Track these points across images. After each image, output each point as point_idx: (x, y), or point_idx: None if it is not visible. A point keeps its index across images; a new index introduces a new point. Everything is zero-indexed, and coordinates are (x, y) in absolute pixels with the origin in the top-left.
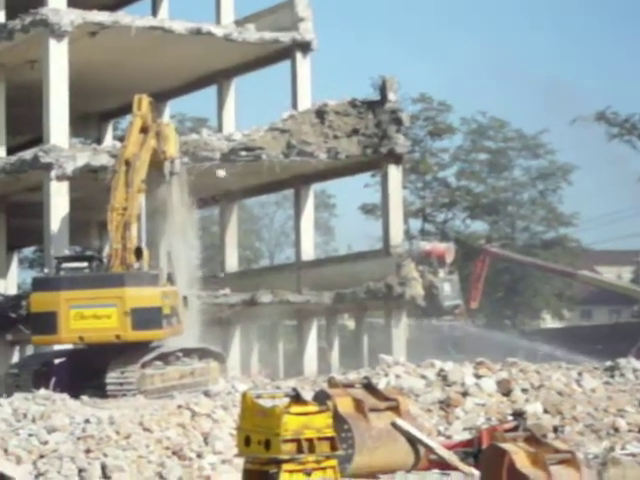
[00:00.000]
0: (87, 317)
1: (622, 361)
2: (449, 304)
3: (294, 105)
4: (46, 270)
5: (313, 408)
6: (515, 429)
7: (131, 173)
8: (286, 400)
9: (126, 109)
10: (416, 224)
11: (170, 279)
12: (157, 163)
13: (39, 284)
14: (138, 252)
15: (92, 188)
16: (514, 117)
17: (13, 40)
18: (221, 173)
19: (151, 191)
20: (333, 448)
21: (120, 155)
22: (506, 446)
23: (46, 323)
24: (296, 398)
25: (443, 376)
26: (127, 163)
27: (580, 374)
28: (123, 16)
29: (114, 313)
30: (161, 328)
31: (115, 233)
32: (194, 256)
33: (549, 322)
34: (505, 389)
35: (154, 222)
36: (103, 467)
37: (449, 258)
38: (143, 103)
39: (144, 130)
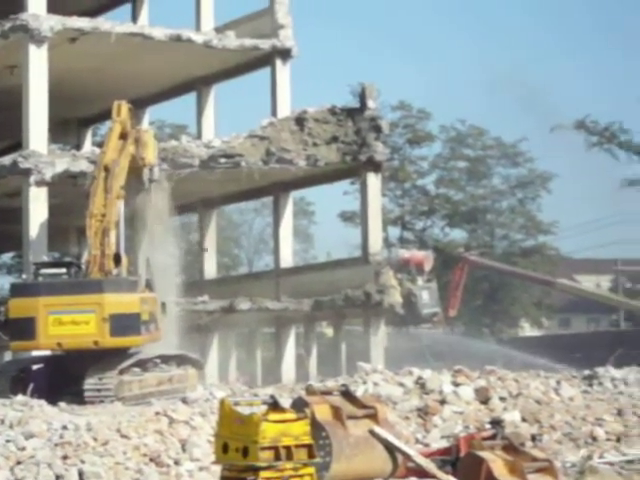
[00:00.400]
0: (65, 323)
1: (600, 370)
2: (427, 312)
3: (273, 112)
4: (24, 276)
5: (291, 416)
6: (493, 437)
7: (110, 179)
8: (264, 407)
9: (105, 115)
10: (395, 232)
11: (148, 285)
12: (136, 170)
13: (17, 290)
14: (117, 258)
15: (71, 194)
16: (493, 125)
17: None
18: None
19: (130, 197)
20: (311, 456)
21: (99, 161)
22: (484, 454)
23: (24, 329)
24: (274, 405)
25: (421, 384)
26: (106, 169)
27: (558, 382)
28: (103, 22)
29: (92, 319)
30: (139, 334)
31: (94, 239)
32: (173, 263)
33: (528, 330)
34: (483, 397)
35: (133, 228)
36: (80, 474)
37: (428, 266)
38: (122, 109)
39: (123, 136)
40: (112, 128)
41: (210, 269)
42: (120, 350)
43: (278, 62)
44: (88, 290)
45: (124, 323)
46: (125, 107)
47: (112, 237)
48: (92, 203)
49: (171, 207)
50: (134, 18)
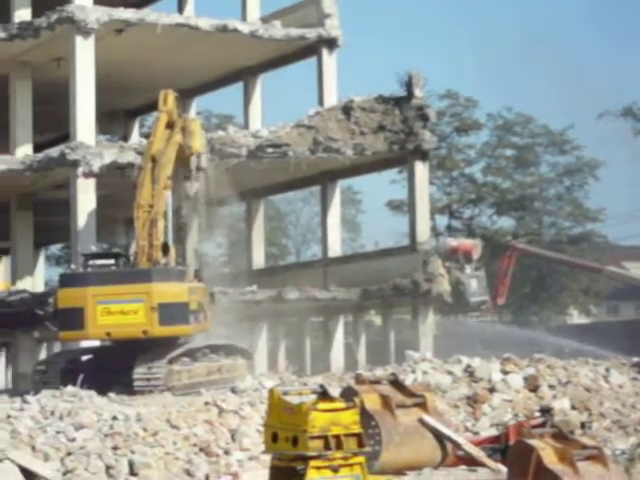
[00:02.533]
0: (114, 313)
1: None
2: (476, 300)
3: (320, 101)
4: (73, 266)
5: (340, 405)
6: (542, 425)
7: (157, 170)
8: (313, 397)
9: (152, 106)
10: (443, 220)
11: (197, 275)
12: (183, 159)
13: (66, 280)
14: (165, 248)
15: (119, 185)
16: (540, 113)
17: (39, 38)
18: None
19: (178, 187)
20: (360, 445)
21: (146, 151)
22: (533, 442)
23: (73, 319)
24: (323, 395)
25: (470, 372)
26: (153, 159)
27: (607, 370)
28: (149, 13)
29: (141, 308)
30: (188, 324)
31: (141, 230)
32: (221, 253)
33: (576, 318)
34: (532, 385)
35: (181, 218)
36: (130, 464)
37: (476, 254)
38: (169, 99)
39: (170, 126)
40: (159, 118)
41: (258, 259)
42: (169, 340)
43: (324, 51)
44: (136, 280)
45: (173, 312)
46: (171, 96)
47: (160, 227)
48: (139, 194)
49: (219, 197)
50: (180, 9)
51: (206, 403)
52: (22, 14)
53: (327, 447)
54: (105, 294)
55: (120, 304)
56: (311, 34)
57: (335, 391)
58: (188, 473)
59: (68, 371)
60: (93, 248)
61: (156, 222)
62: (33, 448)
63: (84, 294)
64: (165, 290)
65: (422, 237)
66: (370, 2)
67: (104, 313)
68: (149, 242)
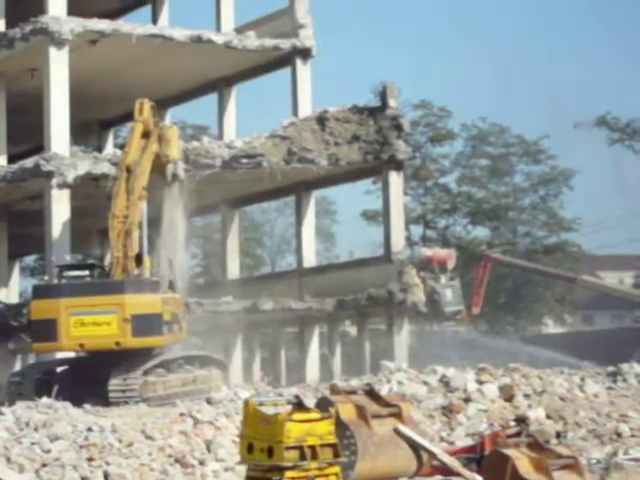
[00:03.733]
0: (87, 324)
1: (625, 366)
2: (451, 310)
3: (295, 112)
4: (46, 277)
5: (315, 415)
6: (518, 435)
7: (132, 180)
8: (288, 407)
9: (127, 117)
10: (417, 230)
11: (172, 286)
12: (159, 167)
13: (39, 291)
14: (138, 259)
15: (93, 196)
16: (514, 123)
17: (13, 49)
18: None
19: (153, 197)
20: (336, 455)
21: (121, 162)
22: (509, 452)
23: (46, 330)
24: (298, 405)
25: (445, 382)
26: (128, 170)
27: (583, 379)
28: (123, 24)
29: (114, 320)
30: (162, 335)
31: (116, 241)
32: (195, 263)
33: (551, 327)
34: (507, 395)
35: (156, 229)
36: (106, 475)
37: (451, 264)
38: (144, 108)
39: (146, 135)
40: (134, 127)
41: (233, 269)
42: (144, 351)
43: (299, 62)
44: (109, 291)
45: (146, 323)
46: (147, 105)
47: (135, 238)
48: (114, 205)
49: (193, 208)
50: (154, 20)
51: (181, 414)
52: None
53: (302, 457)
54: (78, 305)
55: (93, 315)
56: (285, 44)
57: (310, 401)
58: None
59: (43, 382)
60: (68, 259)
61: (131, 233)
62: (8, 459)
63: (57, 305)
64: (138, 301)
65: (397, 247)
66: (344, 13)
67: (77, 324)
68: (124, 253)
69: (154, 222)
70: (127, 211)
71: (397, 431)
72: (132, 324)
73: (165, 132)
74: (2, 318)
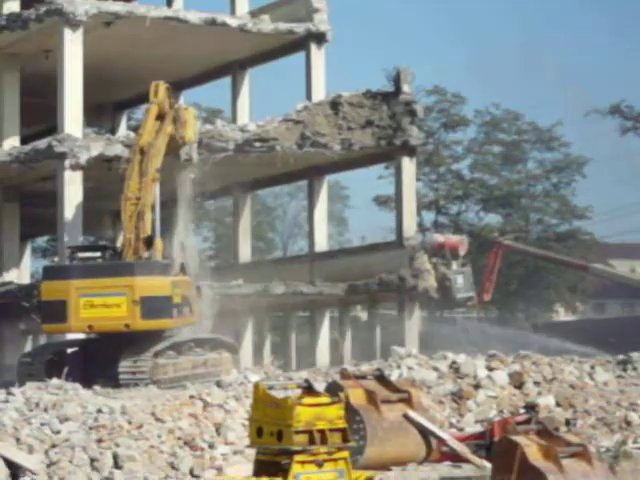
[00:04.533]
0: (97, 306)
1: (635, 355)
2: (462, 296)
3: (308, 96)
4: (56, 259)
5: (325, 399)
6: (527, 422)
7: (145, 162)
8: (298, 391)
9: (140, 99)
10: (429, 216)
11: (183, 269)
12: (175, 149)
13: (49, 273)
14: (148, 241)
15: (106, 178)
16: (528, 109)
17: (28, 30)
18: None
19: (169, 178)
20: (345, 439)
21: (135, 143)
22: (518, 439)
23: (56, 311)
24: (308, 389)
25: (455, 368)
26: (142, 151)
27: (593, 367)
28: (138, 6)
29: (124, 302)
30: (171, 317)
31: (128, 223)
32: (207, 246)
33: (562, 315)
34: (517, 382)
35: (168, 211)
36: (115, 457)
37: (462, 250)
38: (160, 90)
39: (161, 117)
40: (149, 109)
41: (245, 253)
42: (155, 333)
43: (313, 46)
44: (119, 273)
45: (155, 306)
46: (162, 87)
47: (147, 220)
48: (127, 186)
49: (206, 191)
50: (169, 2)
51: (191, 397)
52: (11, 6)
53: (312, 442)
54: (88, 287)
55: (103, 297)
56: (300, 29)
57: (320, 386)
58: (172, 466)
59: (53, 363)
60: (81, 240)
61: (143, 215)
62: (18, 440)
63: (67, 287)
64: (148, 284)
65: (409, 233)
66: None
67: (87, 306)
68: (136, 235)
69: (166, 204)
70: (139, 193)
71: (407, 417)
72: (141, 306)
73: (181, 113)
74: (13, 299)
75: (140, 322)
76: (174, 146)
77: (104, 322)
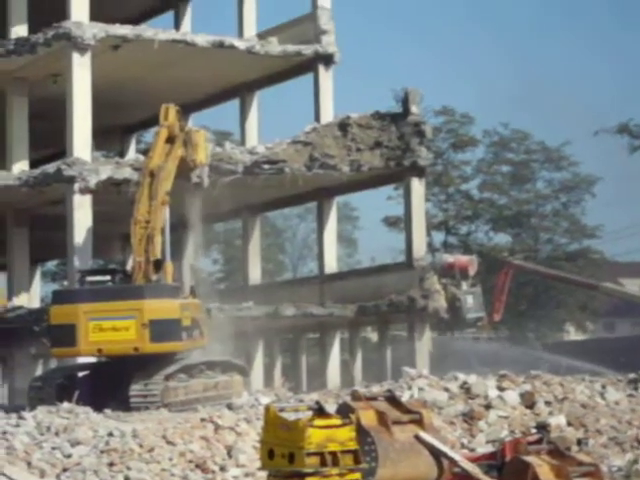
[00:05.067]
0: (106, 329)
1: None
2: (472, 317)
3: (317, 118)
4: (65, 283)
5: (336, 421)
6: (539, 442)
7: (155, 184)
8: (309, 413)
9: (149, 122)
10: (439, 237)
11: (193, 292)
12: (186, 171)
13: (58, 297)
14: (157, 264)
15: (115, 201)
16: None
17: (36, 54)
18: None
19: (175, 202)
20: (356, 461)
21: (145, 167)
22: (530, 459)
23: (65, 335)
24: (319, 411)
25: (466, 389)
26: (152, 174)
27: (604, 387)
28: (146, 29)
29: (133, 325)
30: (180, 340)
31: (138, 246)
32: (217, 269)
33: (572, 334)
34: (528, 402)
35: (178, 234)
36: None
37: (472, 271)
38: (170, 112)
39: (171, 140)
40: (159, 132)
41: (254, 275)
42: (165, 356)
43: (321, 68)
44: (128, 296)
45: (164, 329)
46: (173, 110)
47: (157, 243)
48: (136, 209)
49: (215, 213)
50: (177, 25)
51: (202, 419)
52: (19, 30)
53: (323, 464)
54: (97, 310)
55: (112, 320)
56: (307, 50)
57: (331, 407)
58: None
59: (64, 387)
60: (91, 264)
61: (153, 238)
62: (29, 464)
63: (76, 311)
64: (157, 307)
65: (418, 253)
66: (367, 19)
67: (96, 330)
68: (146, 258)
69: (176, 227)
70: (149, 216)
71: (418, 438)
72: (150, 329)
73: (192, 136)
74: (24, 323)
75: (149, 345)
76: (185, 169)
77: (113, 345)
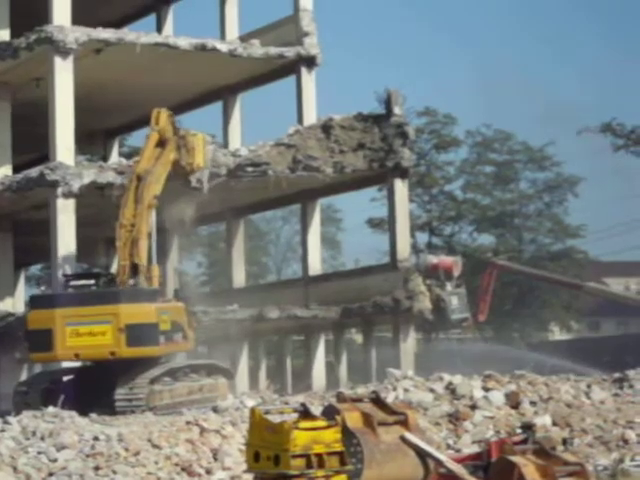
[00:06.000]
0: (83, 334)
1: (631, 372)
2: (457, 317)
3: (300, 120)
4: (42, 288)
5: (322, 423)
6: (524, 442)
7: (141, 188)
8: (295, 415)
9: (132, 126)
10: (423, 238)
11: (177, 295)
12: (183, 175)
13: (36, 302)
14: (134, 268)
15: (99, 205)
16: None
17: (18, 58)
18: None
19: (172, 204)
20: (342, 463)
21: (132, 171)
22: (515, 459)
23: (42, 340)
24: (305, 413)
25: (451, 389)
26: (139, 179)
27: (589, 386)
28: (128, 33)
29: (109, 330)
30: (157, 345)
31: (122, 250)
32: (201, 272)
33: (557, 334)
34: (514, 402)
35: (162, 237)
36: None
37: (456, 271)
38: (161, 117)
39: (162, 144)
40: (149, 136)
41: (239, 278)
42: (150, 360)
43: (303, 70)
44: (104, 301)
45: (140, 333)
46: (164, 114)
47: (142, 247)
48: (122, 214)
49: (199, 217)
50: (159, 28)
51: (188, 422)
52: (1, 34)
53: (309, 466)
54: (73, 315)
55: (88, 325)
56: (290, 53)
57: (317, 409)
58: None
59: (49, 392)
60: (75, 267)
61: (137, 242)
62: (15, 469)
63: (53, 316)
64: (133, 311)
65: (402, 255)
66: (348, 20)
67: (73, 334)
68: (130, 262)
69: (159, 231)
70: (134, 220)
71: (404, 439)
72: (126, 334)
73: (189, 140)
74: (8, 328)
75: (125, 350)
76: (182, 173)
77: (90, 350)
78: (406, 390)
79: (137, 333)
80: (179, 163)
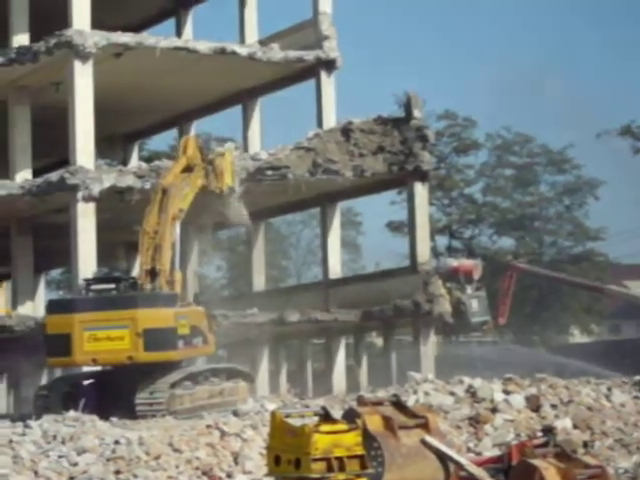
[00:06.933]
0: (100, 339)
1: None
2: (477, 320)
3: (319, 123)
4: (60, 293)
5: (342, 426)
6: (545, 445)
7: (165, 201)
8: (315, 419)
9: (152, 130)
10: (443, 241)
11: (197, 299)
12: (212, 199)
13: (53, 307)
14: (152, 273)
15: (118, 209)
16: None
17: (38, 62)
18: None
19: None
20: (363, 466)
21: (158, 183)
22: (536, 462)
23: (60, 345)
24: (325, 417)
25: (472, 393)
26: (164, 192)
27: (609, 389)
28: (147, 37)
29: (127, 334)
30: (175, 349)
31: (145, 255)
32: (221, 276)
33: (577, 337)
34: (534, 405)
35: (182, 242)
36: None
37: (476, 274)
38: (189, 145)
39: (190, 169)
40: (177, 160)
41: (259, 281)
42: (171, 364)
43: (323, 73)
44: (122, 306)
45: (158, 338)
46: (193, 142)
47: (164, 254)
48: (146, 222)
49: (219, 221)
50: (178, 32)
51: (208, 426)
52: (20, 39)
53: (330, 469)
54: (91, 320)
55: (106, 330)
56: (309, 56)
57: (337, 413)
58: None
59: (70, 396)
60: (95, 271)
61: (161, 248)
62: (36, 473)
63: (71, 320)
64: (150, 316)
65: (422, 258)
66: (368, 23)
67: (90, 339)
68: (152, 267)
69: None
70: (158, 227)
71: (424, 442)
72: (144, 338)
73: (217, 164)
74: (29, 332)
75: (143, 354)
76: (212, 195)
77: (108, 355)
78: (426, 393)
79: (155, 337)
80: (207, 188)
